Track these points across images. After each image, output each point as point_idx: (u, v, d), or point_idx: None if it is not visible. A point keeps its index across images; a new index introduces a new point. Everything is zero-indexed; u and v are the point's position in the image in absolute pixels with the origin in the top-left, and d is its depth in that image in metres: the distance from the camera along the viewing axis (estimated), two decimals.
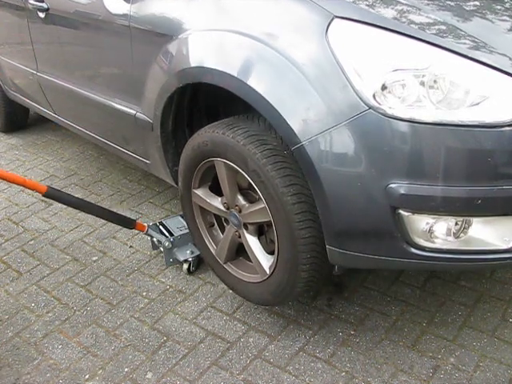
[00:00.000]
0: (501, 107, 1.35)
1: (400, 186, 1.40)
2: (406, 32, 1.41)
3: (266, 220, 1.72)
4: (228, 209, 1.90)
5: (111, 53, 2.21)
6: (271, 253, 1.81)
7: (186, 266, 2.25)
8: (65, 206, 2.68)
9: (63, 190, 2.87)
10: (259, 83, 1.55)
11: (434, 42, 1.39)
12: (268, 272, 1.81)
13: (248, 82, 1.56)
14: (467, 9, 1.68)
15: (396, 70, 1.37)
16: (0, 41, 3.24)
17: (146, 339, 1.94)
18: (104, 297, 2.16)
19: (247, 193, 1.85)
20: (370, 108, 1.38)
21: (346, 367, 1.79)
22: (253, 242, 1.87)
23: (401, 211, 1.43)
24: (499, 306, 2.02)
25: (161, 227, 2.35)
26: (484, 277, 2.17)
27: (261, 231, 1.90)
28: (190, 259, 2.23)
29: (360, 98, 1.38)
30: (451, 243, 1.48)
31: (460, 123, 1.34)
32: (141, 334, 1.96)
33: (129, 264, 2.36)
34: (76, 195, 2.10)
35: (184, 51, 1.79)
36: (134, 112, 2.15)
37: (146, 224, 2.29)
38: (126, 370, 1.82)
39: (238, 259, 2.02)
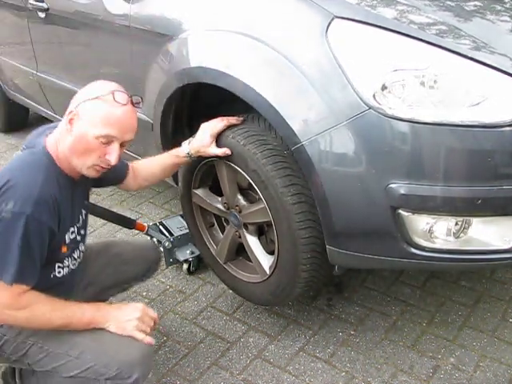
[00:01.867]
0: (501, 107, 1.35)
1: (400, 186, 1.40)
2: (406, 32, 1.41)
3: (266, 220, 1.72)
4: (228, 209, 1.90)
5: (111, 53, 2.21)
6: (271, 253, 1.81)
7: (185, 266, 2.25)
8: None
9: None
10: (259, 83, 1.55)
11: (434, 42, 1.39)
12: (268, 272, 1.81)
13: (248, 82, 1.56)
14: (467, 9, 1.68)
15: (396, 70, 1.37)
16: (0, 41, 3.25)
17: None
18: None
19: (247, 193, 1.85)
20: (370, 108, 1.37)
21: (346, 367, 1.79)
22: (253, 242, 1.87)
23: (401, 211, 1.43)
24: (499, 306, 2.02)
25: (161, 227, 2.35)
26: (484, 277, 2.17)
27: (261, 231, 1.90)
28: (190, 259, 2.23)
29: (360, 98, 1.38)
30: (451, 243, 1.48)
31: (460, 123, 1.34)
32: None
33: None
34: None
35: (184, 51, 1.79)
36: None
37: (145, 224, 2.29)
38: None
39: (238, 259, 2.02)
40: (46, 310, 1.33)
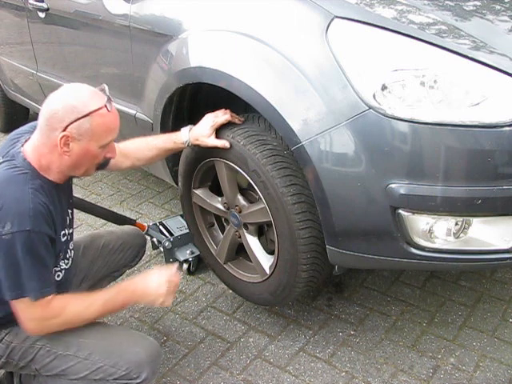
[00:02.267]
0: (501, 107, 1.35)
1: (400, 186, 1.40)
2: (406, 32, 1.41)
3: (266, 220, 1.72)
4: (228, 209, 1.90)
5: (111, 53, 2.21)
6: (271, 253, 1.81)
7: (185, 265, 2.25)
8: None
9: None
10: (259, 83, 1.55)
11: (434, 41, 1.39)
12: (268, 272, 1.81)
13: (248, 82, 1.56)
14: (467, 9, 1.68)
15: (396, 70, 1.37)
16: (0, 41, 3.24)
17: None
18: None
19: (247, 193, 1.85)
20: (370, 108, 1.37)
21: (346, 367, 1.79)
22: (253, 242, 1.87)
23: (401, 211, 1.43)
24: (499, 306, 2.02)
25: (161, 227, 2.35)
26: (484, 277, 2.17)
27: (261, 231, 1.90)
28: (190, 259, 2.23)
29: (360, 98, 1.38)
30: (451, 243, 1.48)
31: (460, 123, 1.34)
32: None
33: None
34: (76, 195, 2.09)
35: (184, 51, 1.79)
36: (133, 112, 2.15)
37: (146, 224, 2.29)
38: None
39: (238, 259, 2.02)
40: (79, 309, 1.38)
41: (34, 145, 1.35)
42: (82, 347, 1.40)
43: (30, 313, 1.31)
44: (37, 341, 1.40)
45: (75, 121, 1.27)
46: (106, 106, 1.30)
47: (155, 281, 1.45)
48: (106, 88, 1.36)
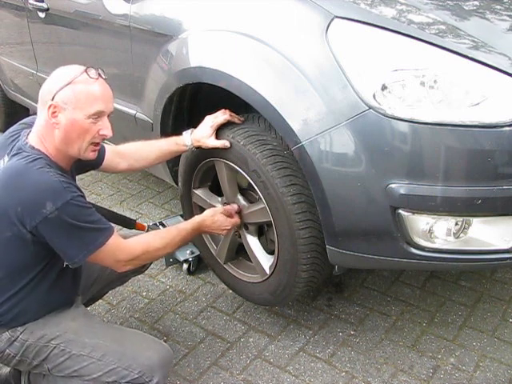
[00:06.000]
0: (501, 107, 1.35)
1: (400, 186, 1.40)
2: (405, 32, 1.41)
3: (266, 220, 1.72)
4: None
5: (111, 53, 2.21)
6: (271, 253, 1.81)
7: (185, 265, 2.25)
8: None
9: None
10: (259, 83, 1.55)
11: (434, 41, 1.39)
12: (268, 272, 1.81)
13: (248, 82, 1.56)
14: (467, 8, 1.68)
15: (396, 70, 1.37)
16: (0, 41, 3.25)
17: None
18: (104, 297, 2.16)
19: (247, 193, 1.85)
20: (370, 108, 1.37)
21: (346, 367, 1.78)
22: (253, 242, 1.87)
23: (401, 211, 1.43)
24: (499, 306, 2.02)
25: (161, 227, 2.35)
26: (484, 277, 2.17)
27: (261, 231, 1.90)
28: (190, 259, 2.23)
29: (360, 98, 1.38)
30: (451, 243, 1.48)
31: (460, 123, 1.34)
32: None
33: None
34: None
35: (184, 51, 1.79)
36: (133, 112, 2.15)
37: (145, 224, 2.29)
38: None
39: (238, 259, 2.02)
40: (160, 247, 1.50)
41: (37, 131, 1.37)
42: (96, 348, 1.40)
43: (114, 255, 1.39)
44: (51, 340, 1.40)
45: (60, 90, 1.32)
46: (86, 71, 1.33)
47: (220, 220, 1.70)
48: (102, 70, 1.40)
